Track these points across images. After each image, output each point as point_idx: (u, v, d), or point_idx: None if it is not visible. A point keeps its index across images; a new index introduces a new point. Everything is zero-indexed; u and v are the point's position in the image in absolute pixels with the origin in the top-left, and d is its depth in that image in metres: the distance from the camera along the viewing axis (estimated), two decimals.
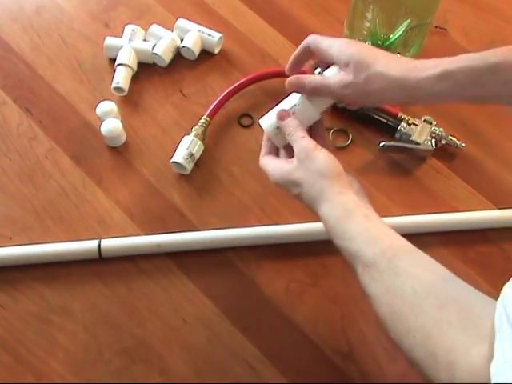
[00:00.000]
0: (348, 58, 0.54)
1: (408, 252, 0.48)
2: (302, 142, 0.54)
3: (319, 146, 0.54)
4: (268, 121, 0.57)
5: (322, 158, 0.53)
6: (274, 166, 0.56)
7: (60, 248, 0.64)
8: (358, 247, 0.48)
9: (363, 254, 0.48)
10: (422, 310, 0.43)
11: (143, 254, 0.65)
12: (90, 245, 0.64)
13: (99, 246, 0.63)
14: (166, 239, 0.65)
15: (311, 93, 0.56)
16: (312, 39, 0.57)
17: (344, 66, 0.54)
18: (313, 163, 0.53)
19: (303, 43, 0.58)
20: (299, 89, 0.56)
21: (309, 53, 0.58)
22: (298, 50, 0.59)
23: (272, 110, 0.58)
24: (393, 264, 0.46)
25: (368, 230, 0.49)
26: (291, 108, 0.57)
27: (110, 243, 0.64)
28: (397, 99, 0.56)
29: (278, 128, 0.57)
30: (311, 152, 0.53)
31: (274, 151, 0.59)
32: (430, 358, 0.42)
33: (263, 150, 0.59)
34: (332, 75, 0.55)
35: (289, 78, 0.57)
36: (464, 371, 0.39)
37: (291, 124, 0.55)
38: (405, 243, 0.49)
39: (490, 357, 0.36)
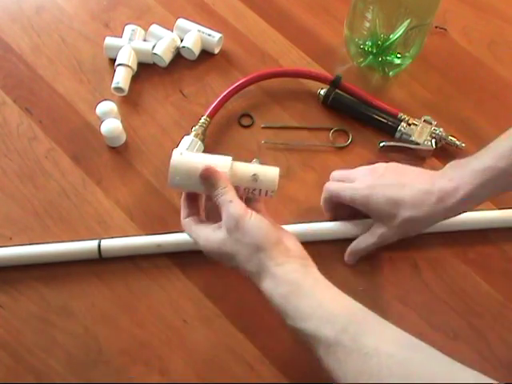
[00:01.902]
0: (374, 212, 0.54)
1: (369, 323, 0.45)
2: (229, 207, 0.48)
3: (249, 211, 0.49)
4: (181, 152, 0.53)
5: (255, 227, 0.48)
6: (200, 234, 0.51)
7: (60, 248, 0.64)
8: (315, 327, 0.44)
9: (323, 335, 0.44)
10: None
11: (143, 254, 0.65)
12: (89, 245, 0.64)
13: (99, 246, 0.63)
14: (166, 239, 0.64)
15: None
16: (330, 192, 0.57)
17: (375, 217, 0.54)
18: (245, 235, 0.48)
19: (325, 195, 0.58)
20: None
21: (336, 202, 0.58)
22: (322, 202, 0.59)
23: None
24: (359, 343, 0.42)
25: (322, 304, 0.45)
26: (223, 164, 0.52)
27: (110, 243, 0.64)
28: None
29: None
30: (241, 220, 0.48)
31: (197, 210, 0.53)
32: None
33: (183, 210, 0.53)
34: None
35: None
36: None
37: (219, 184, 0.50)
38: (363, 313, 0.46)
39: None
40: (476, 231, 0.67)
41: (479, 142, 0.74)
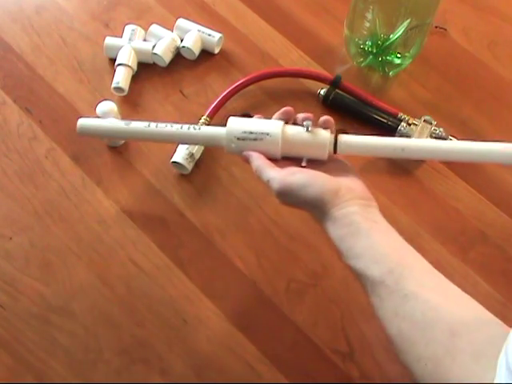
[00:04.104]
0: None
1: (417, 270, 0.46)
2: (272, 185, 0.51)
3: (288, 180, 0.50)
4: (237, 124, 0.53)
5: (301, 188, 0.49)
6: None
7: None
8: (365, 265, 0.47)
9: (370, 273, 0.46)
10: (432, 338, 0.42)
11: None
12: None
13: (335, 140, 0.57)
14: (410, 144, 0.57)
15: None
16: None
17: None
18: (297, 198, 0.50)
19: None
20: None
21: None
22: None
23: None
24: (401, 285, 0.44)
25: (374, 246, 0.47)
26: (261, 134, 0.53)
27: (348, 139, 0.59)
28: None
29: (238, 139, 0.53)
30: (285, 190, 0.50)
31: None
32: None
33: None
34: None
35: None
36: None
37: (254, 167, 0.53)
38: (413, 258, 0.47)
39: None
40: (476, 231, 0.67)
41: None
